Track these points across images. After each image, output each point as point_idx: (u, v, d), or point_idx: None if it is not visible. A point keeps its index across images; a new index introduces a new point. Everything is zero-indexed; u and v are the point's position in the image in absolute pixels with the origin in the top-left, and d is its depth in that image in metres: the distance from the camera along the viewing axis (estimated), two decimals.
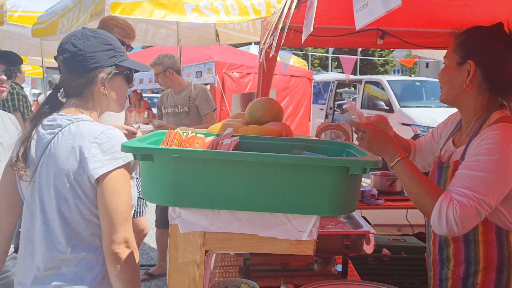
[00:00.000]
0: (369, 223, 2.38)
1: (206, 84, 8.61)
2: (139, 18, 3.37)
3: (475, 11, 2.84)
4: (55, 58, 1.51)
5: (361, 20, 1.03)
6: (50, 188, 1.37)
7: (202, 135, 1.32)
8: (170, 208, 1.07)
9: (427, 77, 13.20)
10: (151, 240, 5.06)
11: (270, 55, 3.16)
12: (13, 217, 1.51)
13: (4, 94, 2.11)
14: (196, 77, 7.40)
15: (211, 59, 7.30)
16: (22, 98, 5.46)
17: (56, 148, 1.36)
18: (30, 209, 1.42)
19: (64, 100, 1.48)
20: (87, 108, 1.48)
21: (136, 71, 1.59)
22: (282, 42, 1.93)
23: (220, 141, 1.29)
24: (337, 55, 12.14)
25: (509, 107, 1.54)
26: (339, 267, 2.46)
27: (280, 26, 2.31)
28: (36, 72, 9.64)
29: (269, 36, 2.38)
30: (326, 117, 10.55)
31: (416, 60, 6.70)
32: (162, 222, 4.16)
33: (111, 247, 1.33)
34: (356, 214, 2.46)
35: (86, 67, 1.43)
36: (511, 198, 1.43)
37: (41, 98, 7.28)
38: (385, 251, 3.35)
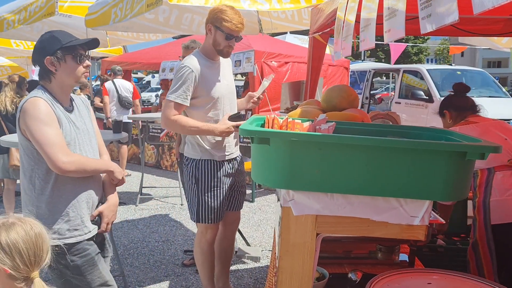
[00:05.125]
0: (437, 212, 2.35)
1: (244, 73, 8.60)
2: (196, 5, 3.39)
3: None
4: None
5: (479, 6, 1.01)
6: None
7: (299, 121, 1.33)
8: (283, 191, 1.09)
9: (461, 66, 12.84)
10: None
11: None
12: None
13: (85, 79, 2.15)
14: (234, 66, 7.41)
15: (250, 48, 7.31)
16: None
17: None
18: None
19: None
20: None
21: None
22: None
23: (317, 127, 1.29)
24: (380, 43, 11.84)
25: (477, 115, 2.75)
26: (401, 257, 2.46)
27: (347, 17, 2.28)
28: None
29: (342, 28, 2.34)
30: (362, 106, 10.40)
31: (466, 48, 6.52)
32: None
33: None
34: None
35: None
36: None
37: (111, 85, 7.58)
38: (440, 241, 3.30)
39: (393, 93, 11.36)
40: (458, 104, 2.84)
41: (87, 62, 2.09)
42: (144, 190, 6.63)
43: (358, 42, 2.47)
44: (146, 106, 12.57)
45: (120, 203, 6.18)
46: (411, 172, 1.03)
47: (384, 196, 1.06)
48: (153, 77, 25.17)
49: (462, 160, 1.01)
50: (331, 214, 1.08)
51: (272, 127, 1.23)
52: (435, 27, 1.25)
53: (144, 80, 27.61)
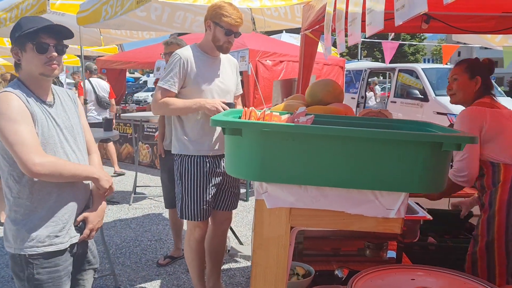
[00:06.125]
0: (424, 209, 2.33)
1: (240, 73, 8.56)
2: (185, 3, 3.37)
3: None
4: None
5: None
6: None
7: (277, 113, 1.31)
8: (256, 183, 1.07)
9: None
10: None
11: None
12: None
13: (57, 72, 1.91)
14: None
15: (244, 46, 7.29)
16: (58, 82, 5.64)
17: None
18: None
19: None
20: None
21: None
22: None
23: (296, 119, 1.27)
24: (370, 40, 11.91)
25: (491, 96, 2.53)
26: (389, 254, 2.44)
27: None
28: (71, 61, 9.82)
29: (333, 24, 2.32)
30: (358, 105, 10.39)
31: (458, 46, 6.51)
32: (168, 201, 4.17)
33: None
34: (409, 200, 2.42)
35: None
36: (489, 143, 2.30)
37: (87, 85, 7.49)
38: (431, 239, 3.29)
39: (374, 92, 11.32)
40: (491, 83, 2.59)
41: (52, 52, 1.84)
42: (138, 189, 6.61)
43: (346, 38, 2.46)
44: (142, 106, 12.53)
45: (114, 202, 6.16)
46: (386, 164, 1.01)
47: (359, 188, 1.04)
48: (148, 76, 25.15)
49: (438, 151, 0.99)
50: (306, 206, 1.06)
51: (249, 119, 1.20)
52: (406, 18, 1.23)
53: (141, 80, 27.53)
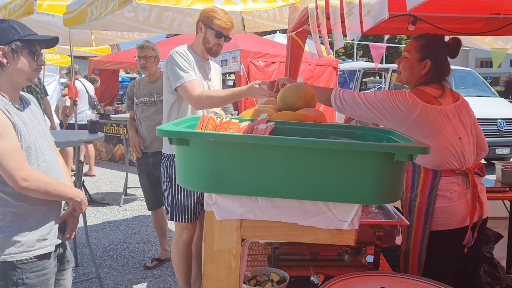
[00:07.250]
0: (402, 214, 2.30)
1: (231, 73, 8.53)
2: (166, 6, 3.34)
3: None
4: None
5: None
6: None
7: (237, 120, 1.28)
8: (206, 195, 1.04)
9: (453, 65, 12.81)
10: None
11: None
12: None
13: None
14: (221, 65, 7.38)
15: (236, 47, 7.26)
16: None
17: None
18: None
19: None
20: None
21: None
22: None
23: (255, 127, 1.24)
24: (364, 43, 11.89)
25: (442, 86, 2.23)
26: (369, 258, 2.42)
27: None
28: (64, 61, 9.78)
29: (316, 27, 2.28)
30: None
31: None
32: (151, 203, 4.22)
33: None
34: (388, 204, 2.40)
35: None
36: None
37: (79, 84, 7.45)
38: None
39: None
40: (446, 67, 2.23)
41: (42, 61, 1.95)
42: (129, 191, 6.57)
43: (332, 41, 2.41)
44: None
45: (104, 204, 6.13)
46: (338, 174, 0.98)
47: (310, 199, 1.01)
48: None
49: (391, 162, 0.96)
50: (256, 218, 1.03)
51: (206, 127, 1.18)
52: (372, 24, 1.21)
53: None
